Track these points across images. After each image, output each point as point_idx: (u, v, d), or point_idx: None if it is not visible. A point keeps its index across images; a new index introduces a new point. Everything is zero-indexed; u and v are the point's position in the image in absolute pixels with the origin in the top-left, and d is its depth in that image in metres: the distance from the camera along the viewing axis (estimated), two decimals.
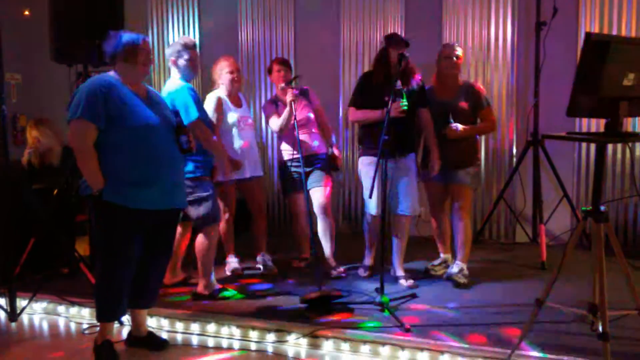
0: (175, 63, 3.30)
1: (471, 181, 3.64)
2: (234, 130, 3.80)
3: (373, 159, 3.42)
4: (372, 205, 3.59)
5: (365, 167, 3.62)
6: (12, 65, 5.86)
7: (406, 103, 3.31)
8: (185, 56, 3.27)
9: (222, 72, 3.81)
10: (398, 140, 3.31)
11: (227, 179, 3.57)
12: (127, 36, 2.64)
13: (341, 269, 3.90)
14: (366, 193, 3.59)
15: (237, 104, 3.91)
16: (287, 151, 3.97)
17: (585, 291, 2.70)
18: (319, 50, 5.34)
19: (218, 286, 3.47)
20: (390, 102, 3.17)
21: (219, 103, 3.79)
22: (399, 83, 3.27)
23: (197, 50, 3.42)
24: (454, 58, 3.59)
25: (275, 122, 3.89)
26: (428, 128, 3.59)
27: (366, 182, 3.60)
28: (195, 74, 3.57)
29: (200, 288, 3.45)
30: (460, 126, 3.52)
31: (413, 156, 3.60)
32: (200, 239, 3.40)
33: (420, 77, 3.57)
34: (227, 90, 3.84)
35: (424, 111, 3.57)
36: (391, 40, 3.50)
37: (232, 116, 3.82)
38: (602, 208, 2.33)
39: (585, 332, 2.68)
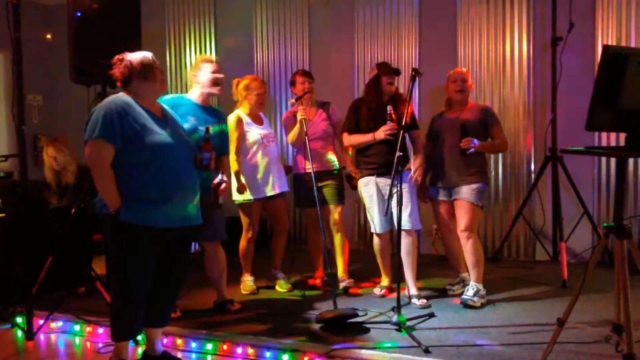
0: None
1: (477, 199, 3.57)
2: (259, 148, 3.83)
3: (369, 179, 3.65)
4: (375, 224, 3.66)
5: (363, 188, 3.71)
6: (34, 87, 6.03)
7: (395, 126, 3.47)
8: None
9: (251, 93, 3.86)
10: (392, 158, 3.31)
11: (256, 196, 3.77)
12: (137, 55, 2.65)
13: (350, 280, 3.90)
14: (368, 215, 3.73)
15: (259, 121, 3.94)
16: (300, 164, 3.98)
17: (608, 310, 2.62)
18: (333, 69, 5.38)
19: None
20: (394, 121, 3.38)
21: (239, 121, 3.82)
22: (389, 108, 3.48)
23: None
24: (460, 82, 3.65)
25: (289, 136, 3.95)
26: (417, 143, 3.73)
27: (366, 203, 3.72)
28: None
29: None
30: (477, 141, 3.49)
31: (407, 173, 3.61)
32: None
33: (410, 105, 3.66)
34: (249, 109, 3.88)
35: (413, 132, 3.71)
36: (383, 68, 3.66)
37: (255, 134, 3.84)
38: (624, 224, 2.28)
39: (610, 353, 2.59)
